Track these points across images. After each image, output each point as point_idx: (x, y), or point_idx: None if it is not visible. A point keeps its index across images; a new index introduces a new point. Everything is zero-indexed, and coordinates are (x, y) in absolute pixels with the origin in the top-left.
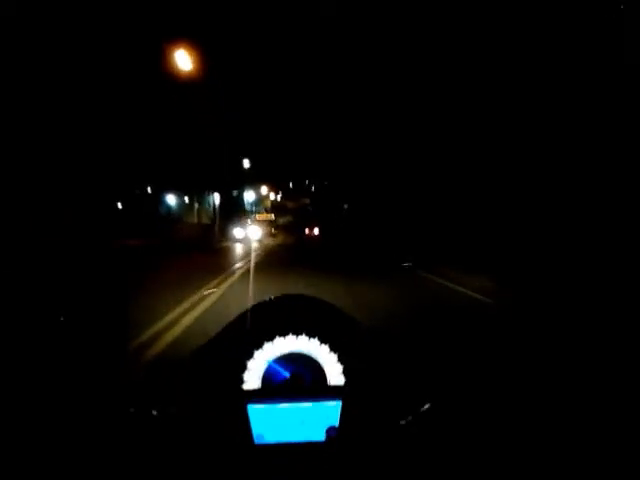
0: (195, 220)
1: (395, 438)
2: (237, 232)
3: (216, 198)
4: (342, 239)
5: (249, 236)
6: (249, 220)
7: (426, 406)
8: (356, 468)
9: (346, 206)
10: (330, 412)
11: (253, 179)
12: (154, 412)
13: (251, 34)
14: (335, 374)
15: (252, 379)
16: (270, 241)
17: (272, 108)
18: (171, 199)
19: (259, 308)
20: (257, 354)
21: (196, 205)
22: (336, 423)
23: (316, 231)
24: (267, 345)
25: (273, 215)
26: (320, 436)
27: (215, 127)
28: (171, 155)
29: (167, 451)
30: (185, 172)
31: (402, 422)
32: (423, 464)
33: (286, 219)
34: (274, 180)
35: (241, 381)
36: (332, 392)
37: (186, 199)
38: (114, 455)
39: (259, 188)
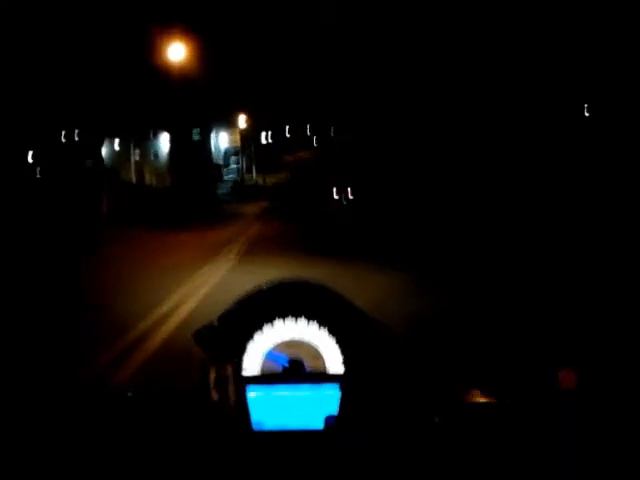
0: (133, 178)
1: (394, 427)
2: None
3: (165, 143)
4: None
5: None
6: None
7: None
8: (354, 457)
9: None
10: (329, 400)
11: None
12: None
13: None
14: (334, 361)
15: (251, 366)
16: None
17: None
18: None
19: (259, 291)
20: (257, 337)
21: (135, 154)
22: (335, 411)
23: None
24: (266, 328)
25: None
26: (319, 424)
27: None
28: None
29: (164, 435)
30: (112, 101)
31: (402, 411)
32: (422, 454)
33: (278, 177)
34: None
35: (241, 366)
36: (331, 379)
37: (117, 145)
38: (112, 439)
39: (235, 123)
